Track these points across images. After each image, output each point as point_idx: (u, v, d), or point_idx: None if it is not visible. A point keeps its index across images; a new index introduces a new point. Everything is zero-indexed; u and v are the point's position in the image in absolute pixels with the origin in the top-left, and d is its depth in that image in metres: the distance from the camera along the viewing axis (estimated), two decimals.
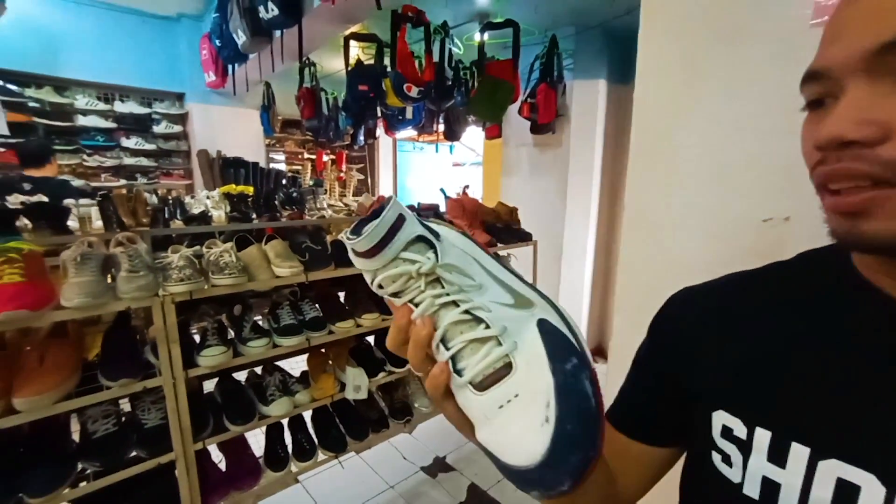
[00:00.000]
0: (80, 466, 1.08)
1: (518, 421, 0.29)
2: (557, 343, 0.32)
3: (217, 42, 3.00)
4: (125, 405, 1.24)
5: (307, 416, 1.58)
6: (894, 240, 0.29)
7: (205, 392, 1.39)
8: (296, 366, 1.68)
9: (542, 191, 3.03)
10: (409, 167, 6.75)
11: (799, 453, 0.33)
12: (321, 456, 1.44)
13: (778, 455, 0.34)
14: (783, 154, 0.80)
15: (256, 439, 1.50)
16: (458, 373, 0.32)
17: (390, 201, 0.33)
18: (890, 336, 0.33)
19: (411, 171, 6.79)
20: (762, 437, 0.35)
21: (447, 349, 0.32)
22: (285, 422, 1.54)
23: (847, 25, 0.30)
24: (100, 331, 1.20)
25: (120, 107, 3.70)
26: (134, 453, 1.14)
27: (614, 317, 1.08)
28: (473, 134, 4.74)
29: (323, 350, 1.60)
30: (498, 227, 1.99)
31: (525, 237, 2.03)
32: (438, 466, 2.04)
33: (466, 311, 0.32)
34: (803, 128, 0.35)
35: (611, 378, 1.14)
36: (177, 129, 4.05)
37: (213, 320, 1.30)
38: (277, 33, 2.70)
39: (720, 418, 0.39)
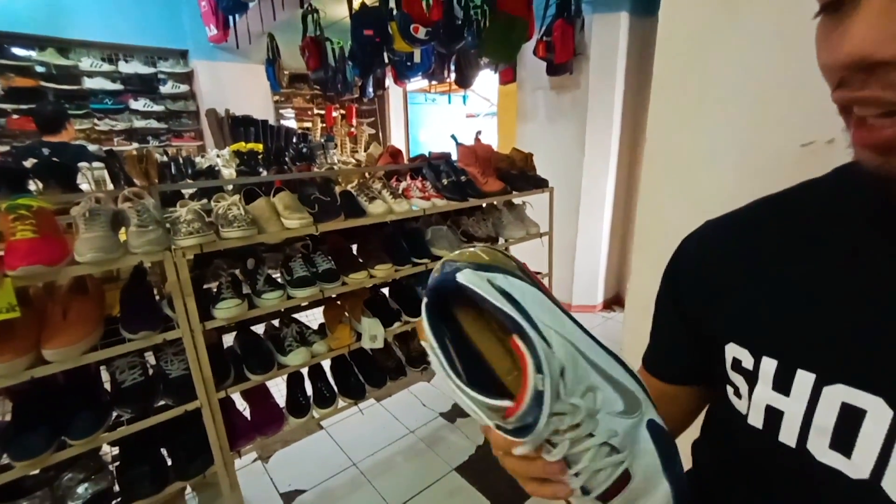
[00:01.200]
0: (115, 413, 1.14)
1: None
2: (666, 447, 0.34)
3: None
4: (150, 358, 1.28)
5: (326, 366, 1.62)
6: None
7: (224, 345, 1.43)
8: (313, 319, 1.70)
9: (559, 137, 2.90)
10: (421, 120, 6.56)
11: (804, 380, 0.32)
12: (341, 403, 1.49)
13: (783, 383, 0.34)
14: None
15: (278, 388, 1.56)
16: (585, 490, 0.33)
17: (529, 385, 0.28)
18: None
19: (424, 124, 6.60)
20: (768, 365, 0.35)
21: (577, 475, 0.32)
22: (305, 372, 1.58)
23: None
24: (119, 288, 1.22)
25: (125, 67, 3.64)
26: (163, 402, 1.20)
27: (632, 258, 1.03)
28: (487, 82, 4.53)
29: (339, 302, 1.62)
30: (513, 174, 1.92)
31: (541, 183, 1.95)
32: (457, 412, 2.09)
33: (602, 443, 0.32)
34: (818, 35, 0.28)
35: (628, 324, 1.11)
36: (183, 88, 3.99)
37: (227, 274, 1.31)
38: None
39: (731, 350, 0.38)
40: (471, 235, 1.76)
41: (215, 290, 1.30)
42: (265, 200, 1.35)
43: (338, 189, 1.55)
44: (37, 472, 1.16)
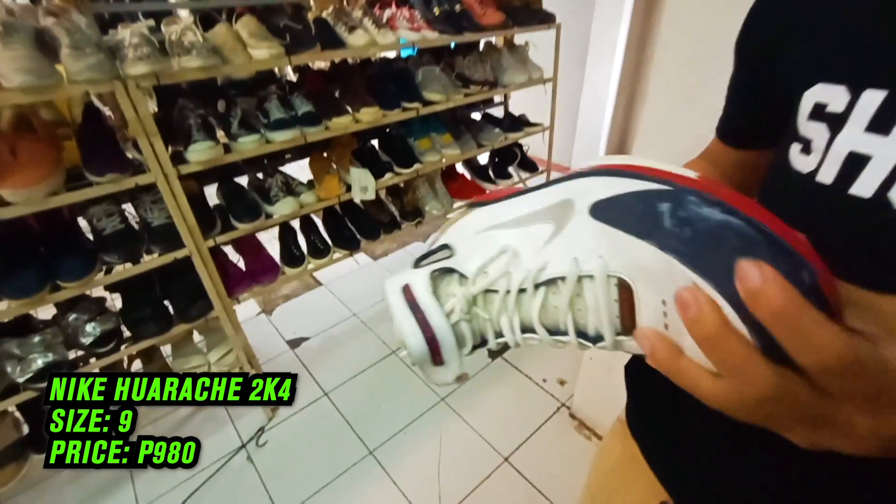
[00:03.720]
0: (105, 260, 1.11)
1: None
2: (623, 205, 0.24)
3: None
4: (129, 209, 1.22)
5: (318, 221, 1.58)
6: None
7: (207, 197, 1.36)
8: (299, 174, 1.61)
9: None
10: None
11: None
12: (336, 254, 1.48)
13: (883, 121, 0.27)
14: None
15: (272, 246, 1.54)
16: (596, 340, 0.25)
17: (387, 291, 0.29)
18: None
19: None
20: (871, 99, 0.28)
21: (564, 334, 0.26)
22: (297, 226, 1.54)
23: None
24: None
25: None
26: (152, 252, 1.17)
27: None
28: None
29: (325, 154, 1.51)
30: (514, 6, 1.65)
31: (547, 18, 1.69)
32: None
33: (537, 286, 0.26)
34: None
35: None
36: None
37: (196, 115, 1.17)
38: None
39: (815, 94, 0.31)
40: (467, 79, 1.58)
41: (185, 134, 1.17)
42: (226, 27, 1.15)
43: (311, 16, 1.32)
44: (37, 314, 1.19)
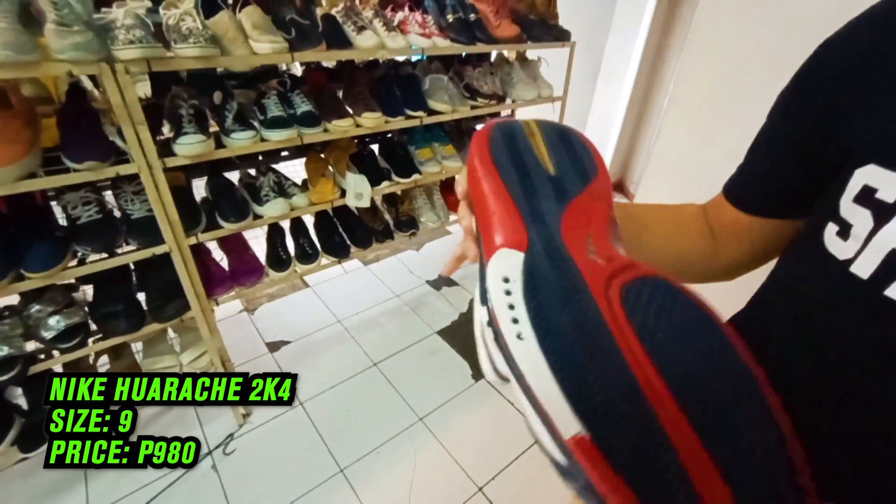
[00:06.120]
0: (78, 251, 1.05)
1: None
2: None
3: None
4: (109, 197, 1.16)
5: (309, 223, 1.52)
6: None
7: (195, 191, 1.29)
8: (294, 173, 1.55)
9: None
10: None
11: None
12: (324, 260, 1.43)
13: None
14: None
15: (259, 243, 1.48)
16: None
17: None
18: None
19: None
20: None
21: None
22: (287, 227, 1.49)
23: None
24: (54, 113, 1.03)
25: None
26: (129, 245, 1.11)
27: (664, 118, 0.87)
28: None
29: (322, 155, 1.45)
30: (531, 20, 1.61)
31: (563, 36, 1.65)
32: (443, 281, 2.10)
33: None
34: None
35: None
36: None
37: (189, 105, 1.11)
38: None
39: (865, 176, 0.28)
40: (475, 90, 1.53)
41: (174, 124, 1.11)
42: (228, 15, 1.09)
43: (319, 12, 1.26)
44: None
